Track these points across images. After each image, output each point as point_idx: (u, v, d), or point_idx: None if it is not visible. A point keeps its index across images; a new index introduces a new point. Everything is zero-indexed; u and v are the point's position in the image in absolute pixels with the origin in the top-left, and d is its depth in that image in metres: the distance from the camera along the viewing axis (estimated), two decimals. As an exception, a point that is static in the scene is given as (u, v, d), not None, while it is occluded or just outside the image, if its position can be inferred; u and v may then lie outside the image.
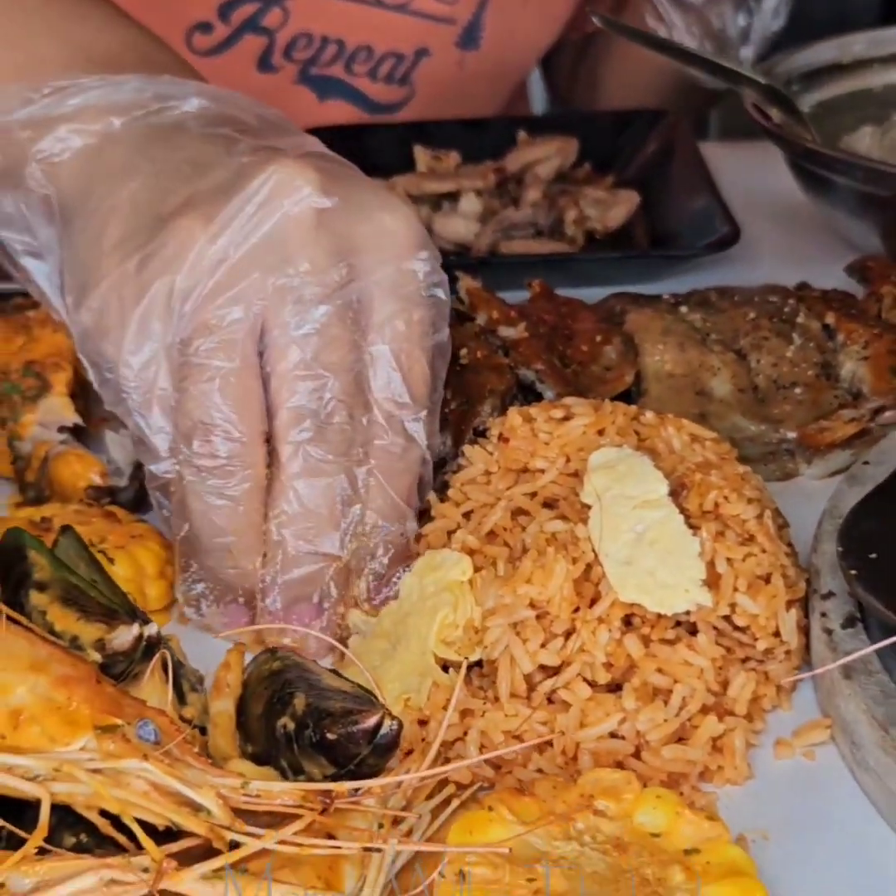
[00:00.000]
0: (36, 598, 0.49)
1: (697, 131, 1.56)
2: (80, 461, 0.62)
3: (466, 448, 0.60)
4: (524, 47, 1.16)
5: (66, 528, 0.52)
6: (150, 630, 0.47)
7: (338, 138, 0.98)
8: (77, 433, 0.66)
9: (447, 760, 0.48)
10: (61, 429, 0.65)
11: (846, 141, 0.85)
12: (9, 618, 0.46)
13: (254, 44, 1.08)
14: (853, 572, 0.50)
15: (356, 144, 0.99)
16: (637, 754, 0.49)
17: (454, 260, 0.84)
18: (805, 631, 0.53)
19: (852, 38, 0.92)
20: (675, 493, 0.52)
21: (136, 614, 0.49)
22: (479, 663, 0.51)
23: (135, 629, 0.47)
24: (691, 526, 0.51)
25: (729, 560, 0.51)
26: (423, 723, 0.50)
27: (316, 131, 0.98)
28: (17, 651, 0.45)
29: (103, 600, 0.49)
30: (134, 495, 0.64)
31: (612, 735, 0.49)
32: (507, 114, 1.12)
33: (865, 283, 0.76)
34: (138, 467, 0.64)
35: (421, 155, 0.93)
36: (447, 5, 1.09)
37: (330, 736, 0.44)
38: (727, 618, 0.51)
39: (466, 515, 0.58)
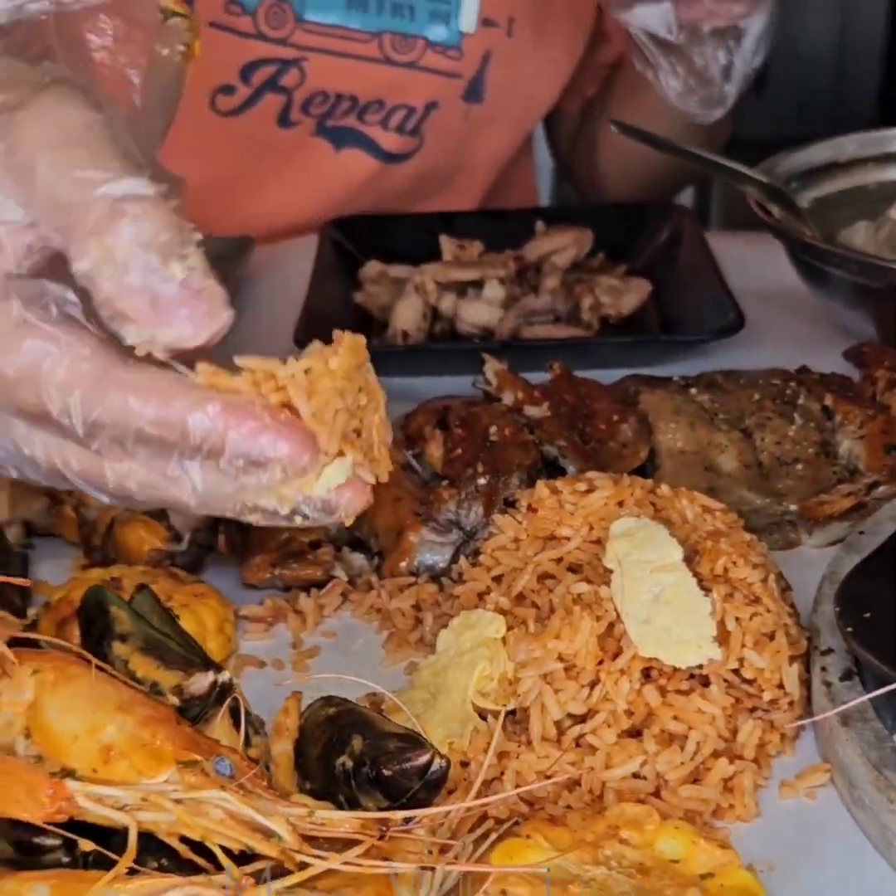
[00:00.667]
0: (119, 649, 0.54)
1: (700, 219, 1.64)
2: (144, 527, 0.68)
3: (497, 518, 0.66)
4: (526, 101, 1.23)
5: (141, 586, 0.58)
6: (223, 677, 0.53)
7: (368, 226, 1.06)
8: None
9: (487, 796, 0.54)
10: (126, 496, 0.71)
11: (843, 235, 0.91)
12: (97, 666, 0.52)
13: (274, 102, 1.15)
14: (849, 630, 0.56)
15: (386, 232, 1.07)
16: (657, 793, 0.54)
17: (480, 343, 0.91)
18: (806, 683, 0.59)
19: (847, 139, 0.99)
20: (688, 559, 0.58)
21: (209, 663, 0.55)
22: (513, 711, 0.57)
23: (210, 676, 0.52)
24: (703, 588, 0.57)
25: (737, 619, 0.57)
26: (464, 764, 0.55)
27: (349, 219, 1.06)
28: (106, 695, 0.51)
29: (178, 650, 0.55)
30: (192, 558, 0.70)
31: (635, 775, 0.54)
32: (527, 206, 1.20)
33: (861, 368, 0.82)
34: (195, 532, 0.71)
35: (447, 244, 1.00)
36: (453, 61, 1.16)
37: (386, 772, 0.50)
38: (736, 671, 0.57)
39: (496, 579, 0.64)
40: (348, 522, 0.49)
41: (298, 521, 0.49)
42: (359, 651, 0.66)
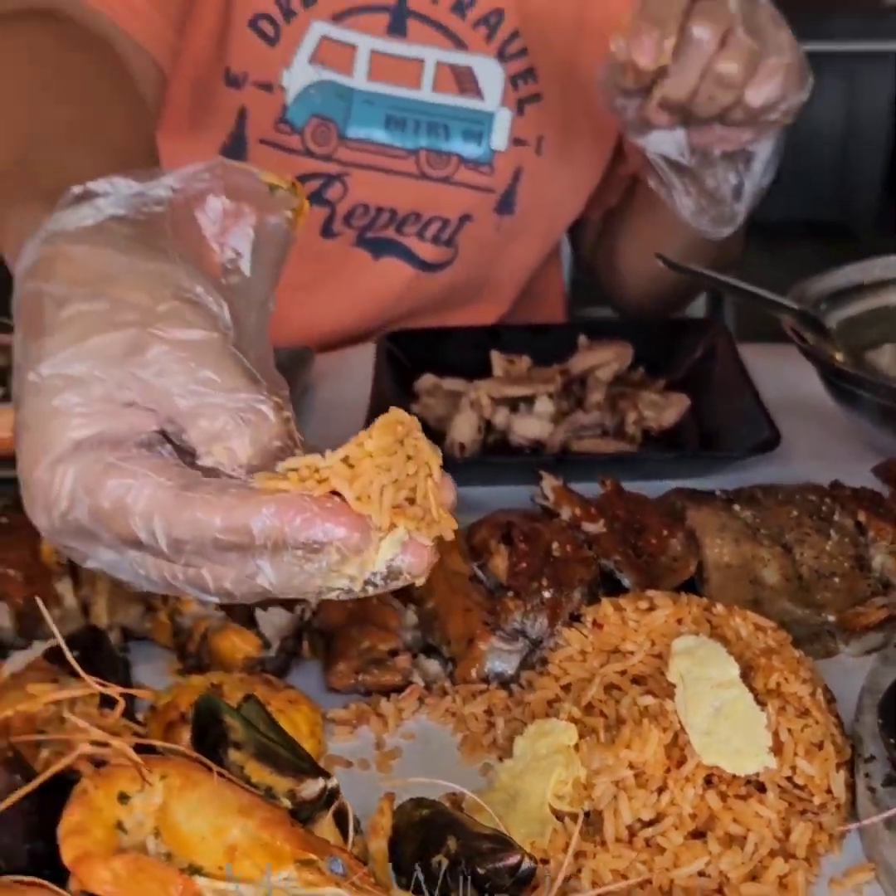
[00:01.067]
0: (234, 755, 0.60)
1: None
2: (238, 635, 0.74)
3: (565, 631, 0.72)
4: (553, 212, 1.30)
5: (248, 696, 0.64)
6: (331, 783, 0.59)
7: (421, 339, 1.13)
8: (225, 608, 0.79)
9: (566, 893, 0.60)
10: (218, 607, 0.77)
11: (869, 356, 0.98)
12: (218, 772, 0.58)
13: (318, 214, 1.22)
14: (892, 740, 0.62)
15: (438, 345, 1.13)
16: (720, 890, 0.60)
17: (533, 457, 0.98)
18: (851, 788, 0.65)
19: (873, 262, 1.06)
20: (744, 675, 0.64)
21: (317, 769, 0.61)
22: (587, 813, 0.62)
23: (320, 782, 0.58)
24: (759, 702, 0.63)
25: (789, 730, 0.63)
26: (544, 862, 0.61)
27: (403, 333, 1.13)
28: (228, 799, 0.57)
29: (288, 756, 0.61)
30: (280, 664, 0.76)
31: (700, 874, 0.60)
32: (570, 320, 1.27)
33: (889, 484, 0.88)
34: (283, 639, 0.77)
35: (497, 359, 1.07)
36: (486, 177, 1.23)
37: (480, 871, 0.55)
38: (789, 778, 0.63)
39: (565, 688, 0.70)
40: (420, 582, 0.53)
41: (370, 590, 0.53)
42: (436, 752, 0.72)
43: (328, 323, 1.25)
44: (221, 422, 0.52)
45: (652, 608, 0.70)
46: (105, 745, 0.59)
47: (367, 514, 0.51)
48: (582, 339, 1.10)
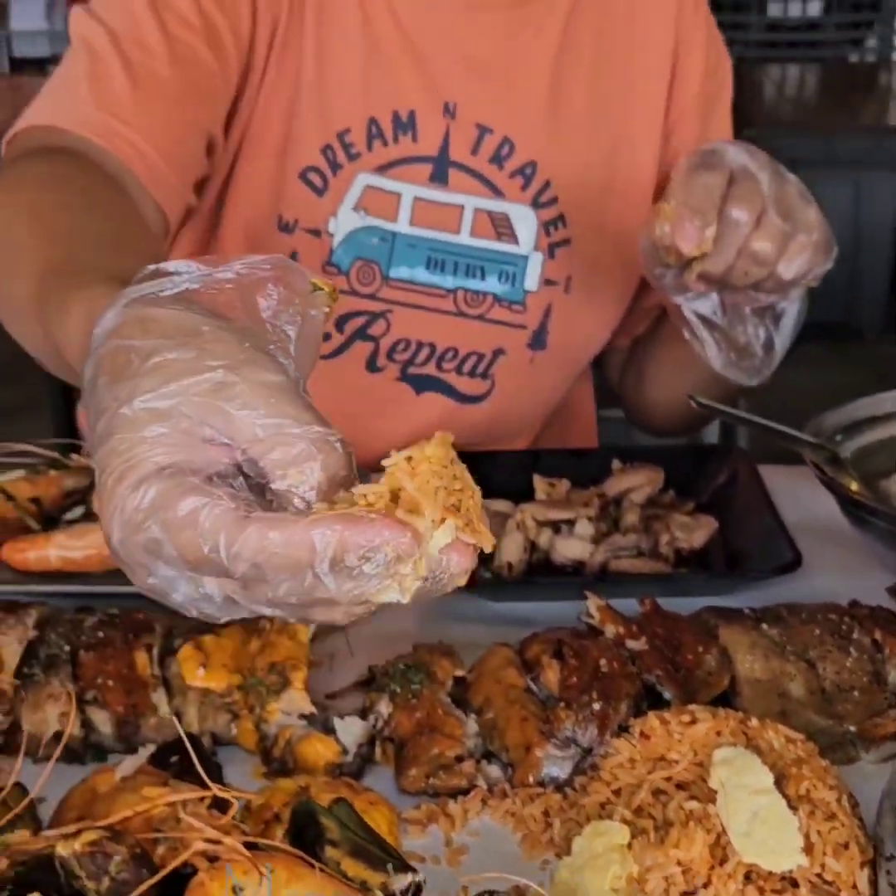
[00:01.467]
0: (331, 852, 0.68)
1: (726, 436, 1.79)
2: (321, 743, 0.83)
3: (614, 740, 0.80)
4: (583, 344, 1.39)
5: (339, 799, 0.72)
6: (419, 877, 0.67)
7: (469, 463, 1.22)
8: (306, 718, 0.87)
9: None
10: (301, 716, 0.86)
11: (882, 484, 1.08)
12: (319, 867, 0.66)
13: (363, 348, 1.30)
14: (909, 842, 0.70)
15: (484, 468, 1.22)
16: (760, 975, 0.68)
17: (576, 577, 1.07)
18: (874, 884, 0.73)
19: (883, 396, 1.16)
20: (778, 783, 0.73)
21: (405, 864, 0.69)
22: (640, 906, 0.71)
23: (409, 876, 0.66)
24: (791, 807, 0.71)
25: (819, 832, 0.71)
26: (604, 949, 0.69)
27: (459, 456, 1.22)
28: (330, 891, 0.65)
29: (378, 852, 0.69)
30: (356, 768, 0.84)
31: (742, 960, 0.68)
32: (603, 447, 1.36)
33: (902, 603, 0.97)
34: (360, 746, 0.85)
35: (539, 482, 1.16)
36: (518, 314, 1.31)
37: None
38: (819, 875, 0.70)
39: (616, 792, 0.78)
40: (461, 582, 0.59)
41: (416, 588, 0.58)
42: (499, 849, 0.80)
43: (375, 450, 1.33)
44: (297, 449, 0.60)
45: (693, 721, 0.78)
46: (217, 842, 0.68)
47: (423, 503, 0.58)
48: (615, 464, 1.19)
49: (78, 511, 1.14)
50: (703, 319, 1.12)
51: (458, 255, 1.29)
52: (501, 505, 1.14)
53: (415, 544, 0.58)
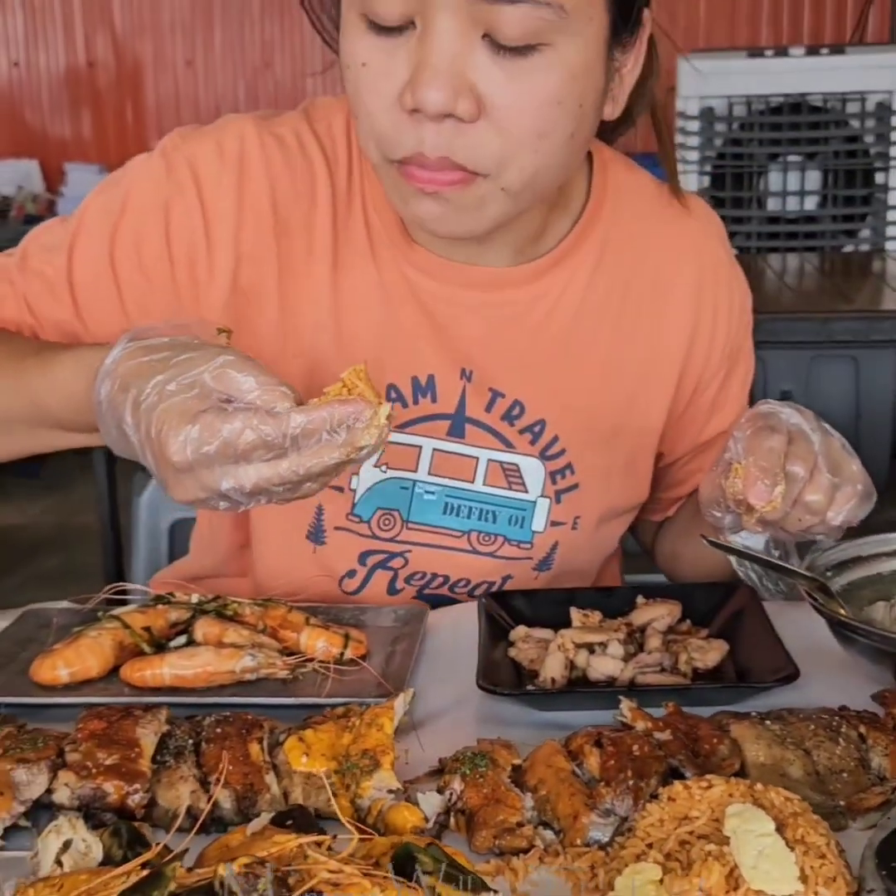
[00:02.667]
0: (427, 880, 0.87)
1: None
2: (408, 810, 1.01)
3: (648, 805, 0.99)
4: (588, 565, 1.52)
5: (430, 843, 0.91)
6: (498, 896, 0.85)
7: (514, 599, 1.42)
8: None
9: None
10: (389, 791, 1.04)
11: (866, 611, 1.27)
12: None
13: (383, 577, 1.44)
14: (884, 873, 0.88)
15: (527, 604, 1.42)
16: (767, 976, 0.85)
17: (610, 688, 1.26)
18: (858, 914, 0.91)
19: (867, 539, 1.36)
20: (778, 829, 0.91)
21: (488, 888, 0.87)
22: (672, 925, 0.88)
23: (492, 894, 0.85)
24: (789, 847, 0.90)
25: (812, 867, 0.89)
26: (643, 958, 0.87)
27: (499, 594, 1.42)
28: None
29: (464, 879, 0.87)
30: (436, 832, 1.02)
31: (753, 964, 0.85)
32: (631, 584, 1.56)
33: (884, 707, 1.16)
34: (438, 815, 1.03)
35: (575, 613, 1.35)
36: (526, 551, 1.44)
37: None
38: (813, 901, 0.89)
39: (649, 846, 0.96)
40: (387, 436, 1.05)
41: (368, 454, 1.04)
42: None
43: None
44: (276, 393, 1.03)
45: (710, 787, 0.97)
46: (338, 871, 0.87)
47: (370, 392, 1.04)
48: (639, 599, 1.39)
49: (181, 639, 1.33)
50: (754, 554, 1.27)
51: (472, 501, 1.41)
52: (544, 633, 1.34)
53: (372, 411, 1.02)
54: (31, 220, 6.11)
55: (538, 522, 1.44)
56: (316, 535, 1.44)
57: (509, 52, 1.12)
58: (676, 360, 1.46)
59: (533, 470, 1.42)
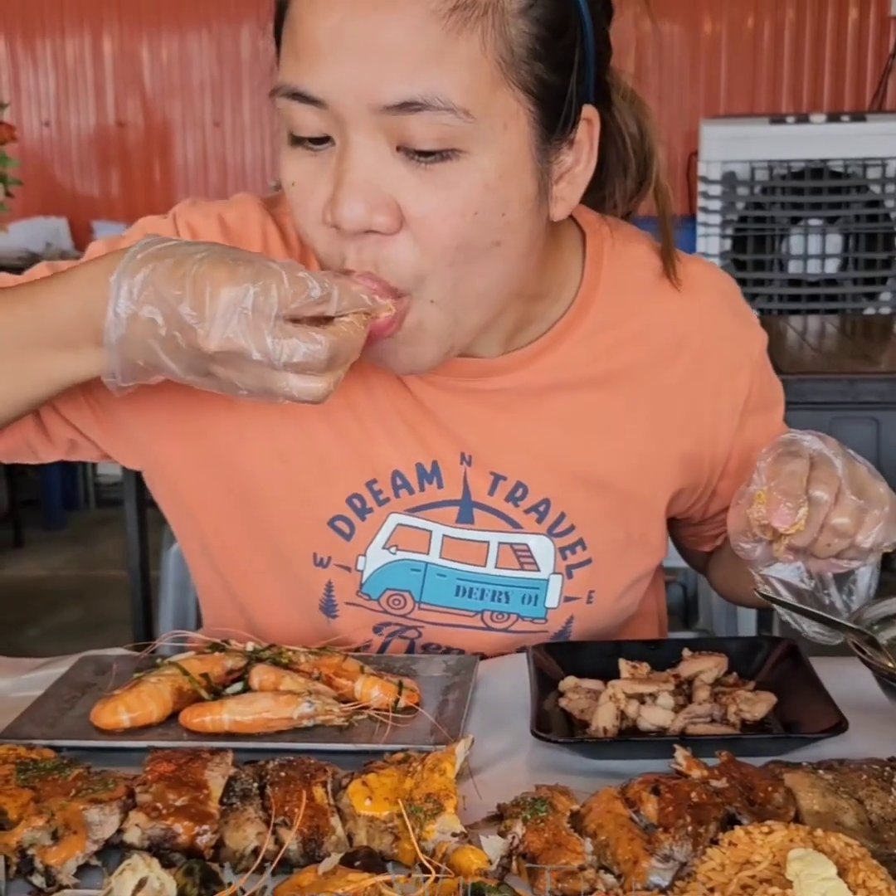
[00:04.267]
0: (499, 917, 0.89)
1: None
2: (473, 852, 1.03)
3: (708, 850, 1.01)
4: (602, 634, 1.51)
5: (500, 883, 0.94)
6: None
7: (563, 650, 1.44)
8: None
9: None
10: (453, 834, 1.07)
11: (914, 665, 1.30)
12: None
13: (400, 645, 1.45)
14: (944, 918, 0.90)
15: (576, 655, 1.45)
16: None
17: (661, 738, 1.28)
18: (918, 958, 0.93)
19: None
20: (840, 873, 0.94)
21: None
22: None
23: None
24: (851, 890, 0.92)
25: (873, 911, 0.92)
26: None
27: (548, 646, 1.44)
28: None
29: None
30: (499, 876, 1.05)
31: None
32: (674, 636, 1.59)
33: (932, 759, 1.18)
34: (501, 858, 1.06)
35: (624, 665, 1.38)
36: (540, 626, 1.44)
37: None
38: (875, 944, 0.91)
39: (710, 890, 0.99)
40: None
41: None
42: (618, 939, 1.00)
43: None
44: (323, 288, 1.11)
45: (771, 832, 0.99)
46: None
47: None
48: (686, 652, 1.41)
49: (237, 686, 1.36)
50: (790, 588, 1.28)
51: (484, 584, 1.42)
52: (593, 684, 1.36)
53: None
54: (59, 277, 6.17)
55: (552, 599, 1.45)
56: (328, 608, 1.45)
57: (425, 161, 1.13)
58: (677, 434, 1.46)
59: (543, 548, 1.43)
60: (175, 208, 1.42)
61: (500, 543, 1.41)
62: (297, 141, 1.18)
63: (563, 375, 1.40)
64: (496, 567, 1.42)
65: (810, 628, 1.32)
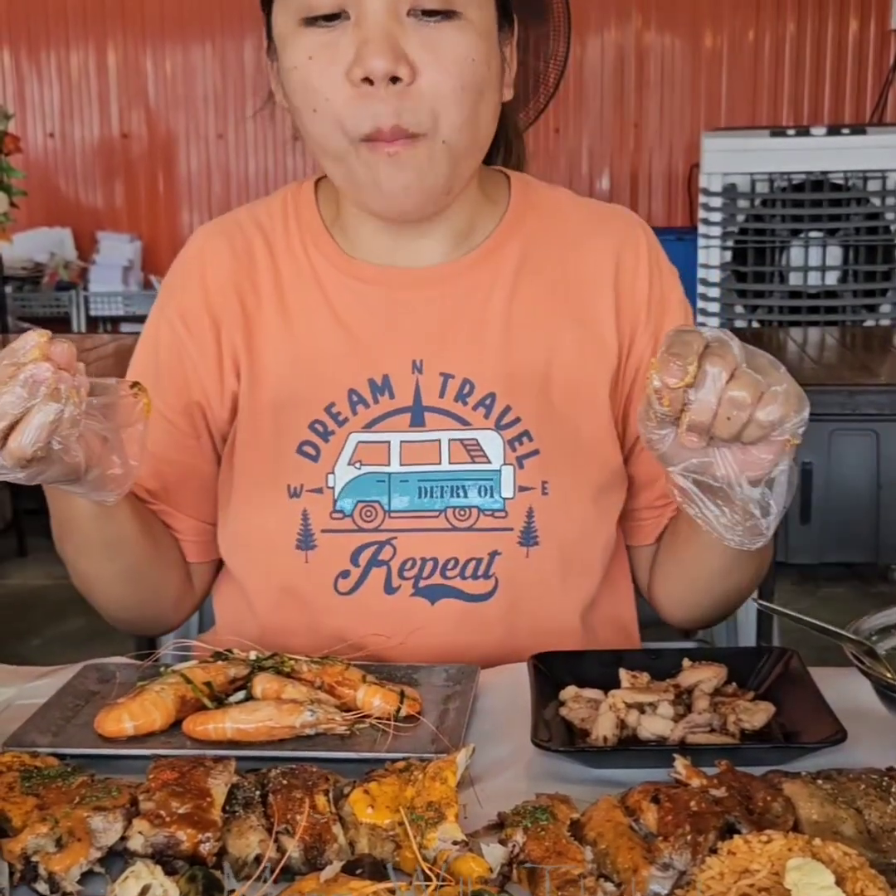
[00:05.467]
0: (501, 925, 0.90)
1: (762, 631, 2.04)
2: (474, 860, 1.04)
3: (708, 858, 1.02)
4: (578, 540, 1.55)
5: (501, 890, 0.94)
6: (570, 941, 0.88)
7: (562, 659, 1.46)
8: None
9: None
10: (454, 843, 1.08)
11: (913, 671, 1.31)
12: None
13: (378, 574, 1.51)
14: (941, 926, 0.91)
15: (574, 663, 1.46)
16: None
17: (661, 747, 1.29)
18: (916, 966, 0.93)
19: (907, 604, 1.40)
20: (838, 882, 0.94)
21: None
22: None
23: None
24: (849, 899, 0.93)
25: (871, 919, 0.93)
26: None
27: (548, 655, 1.44)
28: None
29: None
30: (500, 885, 1.05)
31: None
32: (673, 645, 1.60)
33: (931, 768, 1.19)
34: (502, 865, 1.07)
35: (624, 674, 1.39)
36: (501, 520, 1.51)
37: None
38: (872, 952, 0.92)
39: (709, 898, 1.00)
40: None
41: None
42: (617, 947, 1.01)
43: (407, 661, 1.50)
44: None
45: (770, 841, 1.00)
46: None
47: None
48: (686, 662, 1.42)
49: (240, 694, 1.37)
50: (703, 487, 1.26)
51: (442, 481, 1.51)
52: (594, 693, 1.37)
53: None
54: (64, 287, 6.23)
55: (506, 489, 1.52)
56: (305, 541, 1.54)
57: (431, 21, 1.37)
58: (610, 337, 1.57)
59: (491, 441, 1.53)
60: (158, 298, 1.64)
61: (450, 440, 1.52)
62: (310, 22, 1.38)
63: (502, 281, 1.56)
64: (450, 463, 1.52)
65: (718, 520, 1.27)
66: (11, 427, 1.12)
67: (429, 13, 1.38)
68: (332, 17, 1.38)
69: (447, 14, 1.38)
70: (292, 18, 1.40)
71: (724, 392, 1.16)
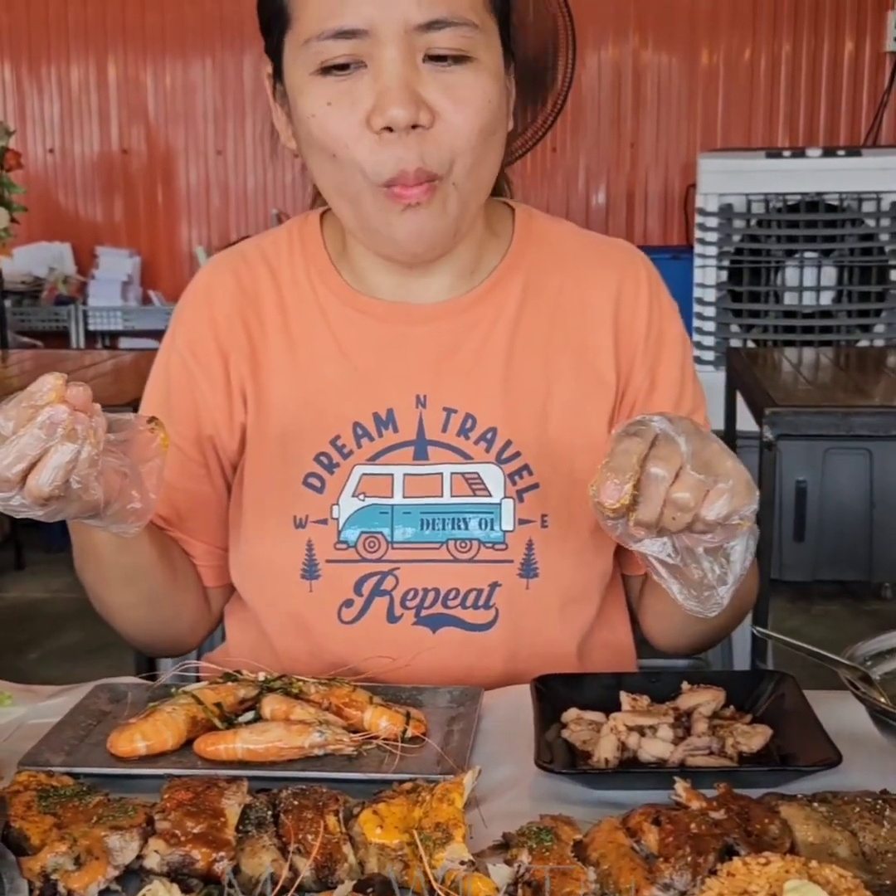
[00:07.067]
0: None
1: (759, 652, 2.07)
2: (480, 880, 1.07)
3: (707, 879, 1.05)
4: (575, 572, 1.57)
5: (509, 910, 0.97)
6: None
7: (564, 682, 1.49)
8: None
9: None
10: (461, 863, 1.11)
11: (905, 700, 1.34)
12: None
13: (381, 604, 1.53)
14: (933, 947, 0.94)
15: (575, 686, 1.49)
16: None
17: (661, 769, 1.32)
18: (909, 985, 0.97)
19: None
20: (833, 903, 0.98)
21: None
22: None
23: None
24: (845, 920, 0.96)
25: (866, 938, 0.96)
26: None
27: (549, 677, 1.48)
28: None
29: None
30: (506, 902, 1.09)
31: None
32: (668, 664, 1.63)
33: (924, 792, 1.22)
34: (508, 885, 1.10)
35: (625, 697, 1.42)
36: (502, 552, 1.54)
37: None
38: (867, 971, 0.95)
39: (710, 916, 1.03)
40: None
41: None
42: (620, 965, 1.04)
43: (409, 683, 1.52)
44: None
45: (768, 863, 1.03)
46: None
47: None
48: (685, 685, 1.45)
49: (249, 715, 1.40)
50: (662, 562, 1.30)
51: (444, 513, 1.54)
52: (595, 715, 1.41)
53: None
54: (63, 302, 6.26)
55: (507, 522, 1.55)
56: (309, 571, 1.55)
57: (447, 67, 1.40)
58: (608, 371, 1.60)
59: (492, 475, 1.55)
60: (169, 331, 1.66)
61: (452, 473, 1.54)
62: (326, 71, 1.40)
63: (503, 318, 1.59)
64: (452, 496, 1.54)
65: (679, 592, 1.30)
66: (31, 467, 1.15)
67: (444, 58, 1.40)
68: (347, 66, 1.39)
69: (461, 59, 1.40)
70: (307, 69, 1.41)
71: (669, 494, 1.19)
